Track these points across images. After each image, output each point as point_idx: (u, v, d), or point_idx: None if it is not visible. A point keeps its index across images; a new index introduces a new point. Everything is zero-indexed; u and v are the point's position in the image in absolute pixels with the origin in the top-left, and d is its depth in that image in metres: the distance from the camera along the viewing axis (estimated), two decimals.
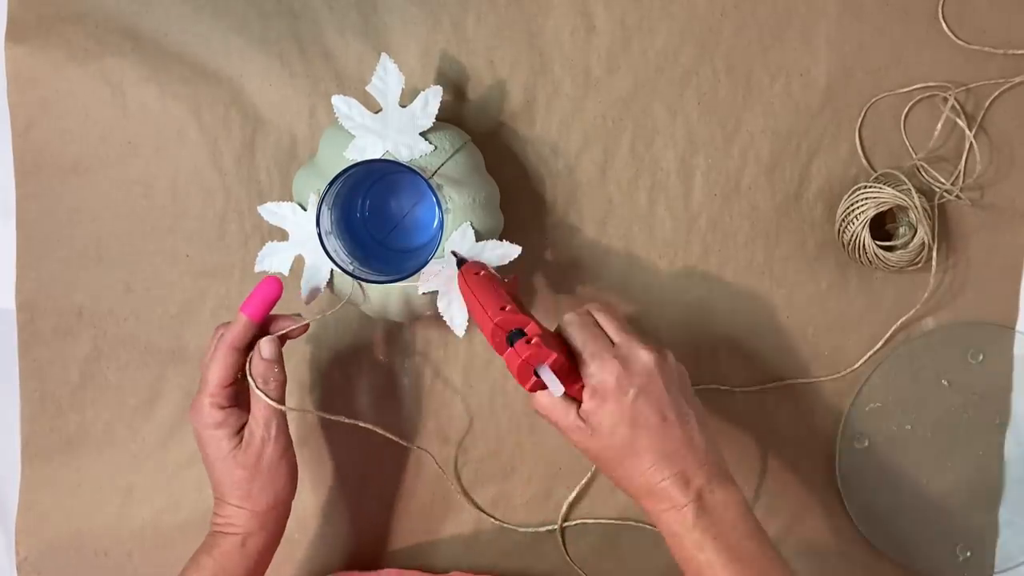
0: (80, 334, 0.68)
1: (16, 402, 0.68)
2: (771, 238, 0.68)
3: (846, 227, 0.65)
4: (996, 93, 0.67)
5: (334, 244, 0.57)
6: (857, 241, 0.65)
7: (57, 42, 0.65)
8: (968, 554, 0.69)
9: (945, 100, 0.66)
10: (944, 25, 0.67)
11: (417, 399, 0.69)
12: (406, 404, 0.69)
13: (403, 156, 0.58)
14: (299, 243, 0.61)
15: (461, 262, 0.58)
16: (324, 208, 0.56)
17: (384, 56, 0.60)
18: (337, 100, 0.59)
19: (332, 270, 0.60)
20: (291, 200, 0.61)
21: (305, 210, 0.60)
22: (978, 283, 0.68)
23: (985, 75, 0.67)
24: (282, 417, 0.57)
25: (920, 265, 0.66)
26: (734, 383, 0.69)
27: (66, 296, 0.67)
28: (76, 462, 0.68)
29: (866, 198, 0.64)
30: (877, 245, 0.64)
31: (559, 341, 0.55)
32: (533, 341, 0.52)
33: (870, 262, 0.65)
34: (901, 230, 0.67)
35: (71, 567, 0.69)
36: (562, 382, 0.53)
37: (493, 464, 0.69)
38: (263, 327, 0.57)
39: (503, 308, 0.54)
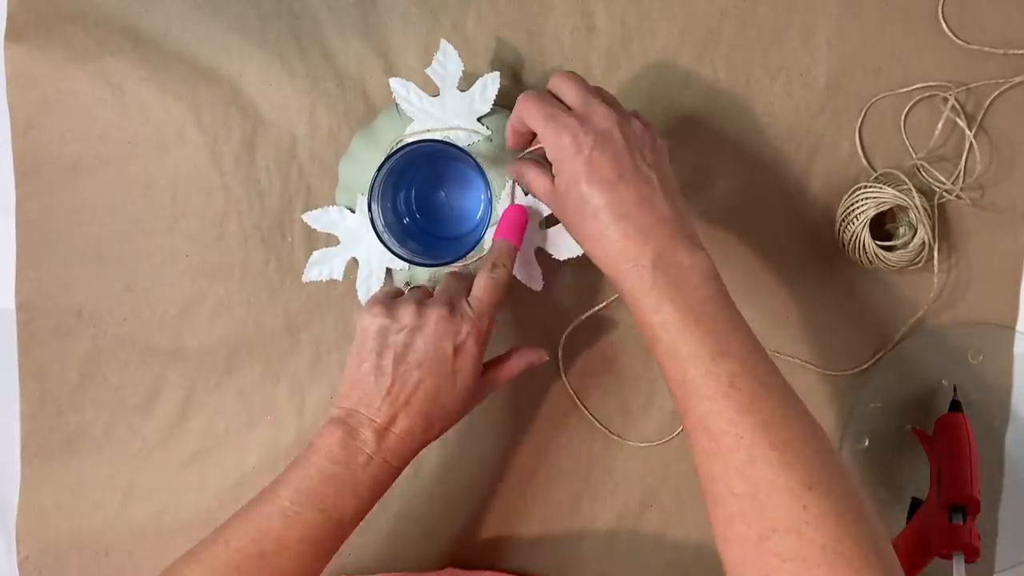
0: (80, 334, 0.68)
1: (16, 402, 0.68)
2: (771, 238, 0.68)
3: (846, 227, 0.65)
4: (996, 93, 0.67)
5: (390, 238, 0.57)
6: (857, 241, 0.65)
7: (57, 42, 0.65)
8: None
9: (945, 100, 0.66)
10: (944, 25, 0.67)
11: None
12: None
13: (461, 140, 0.59)
14: (350, 245, 0.61)
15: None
16: (375, 205, 0.56)
17: (444, 42, 0.61)
18: (396, 83, 0.60)
19: (387, 268, 0.61)
20: (334, 190, 0.63)
21: (352, 212, 0.61)
22: (978, 283, 0.68)
23: (985, 75, 0.67)
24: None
25: (920, 265, 0.66)
26: None
27: (66, 296, 0.67)
28: (76, 462, 0.68)
29: (866, 198, 0.64)
30: (877, 245, 0.64)
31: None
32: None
33: (870, 262, 0.65)
34: (901, 230, 0.67)
35: (71, 567, 0.69)
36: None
37: (494, 463, 0.69)
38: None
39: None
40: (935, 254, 0.66)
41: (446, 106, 0.60)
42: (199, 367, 0.68)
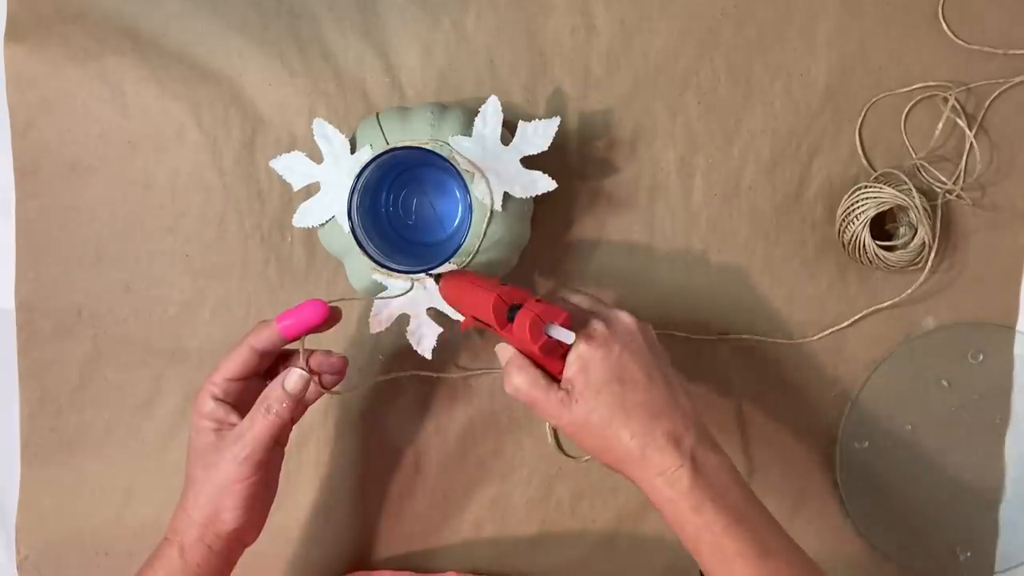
0: (80, 334, 0.68)
1: (16, 402, 0.68)
2: (771, 238, 0.68)
3: (846, 227, 0.65)
4: (996, 93, 0.67)
5: (373, 248, 0.56)
6: (857, 241, 0.65)
7: (57, 42, 0.65)
8: (968, 554, 0.69)
9: (945, 100, 0.66)
10: (944, 25, 0.67)
11: (420, 401, 0.69)
12: (407, 405, 0.69)
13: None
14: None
15: (438, 278, 0.58)
16: (355, 200, 0.55)
17: (317, 121, 0.60)
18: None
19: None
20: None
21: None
22: (978, 283, 0.68)
23: (985, 75, 0.67)
24: (265, 450, 0.53)
25: (920, 265, 0.66)
26: (734, 383, 0.69)
27: (66, 296, 0.67)
28: (76, 462, 0.68)
29: (866, 198, 0.64)
30: (877, 245, 0.64)
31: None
32: (540, 301, 0.52)
33: (870, 262, 0.65)
34: (901, 230, 0.67)
35: (71, 567, 0.69)
36: (550, 362, 0.53)
37: (494, 463, 0.69)
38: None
39: (501, 284, 0.53)
40: (933, 254, 0.66)
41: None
42: (199, 367, 0.68)
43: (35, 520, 0.69)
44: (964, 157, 0.67)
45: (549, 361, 0.53)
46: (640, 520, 0.69)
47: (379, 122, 0.60)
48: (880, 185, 0.65)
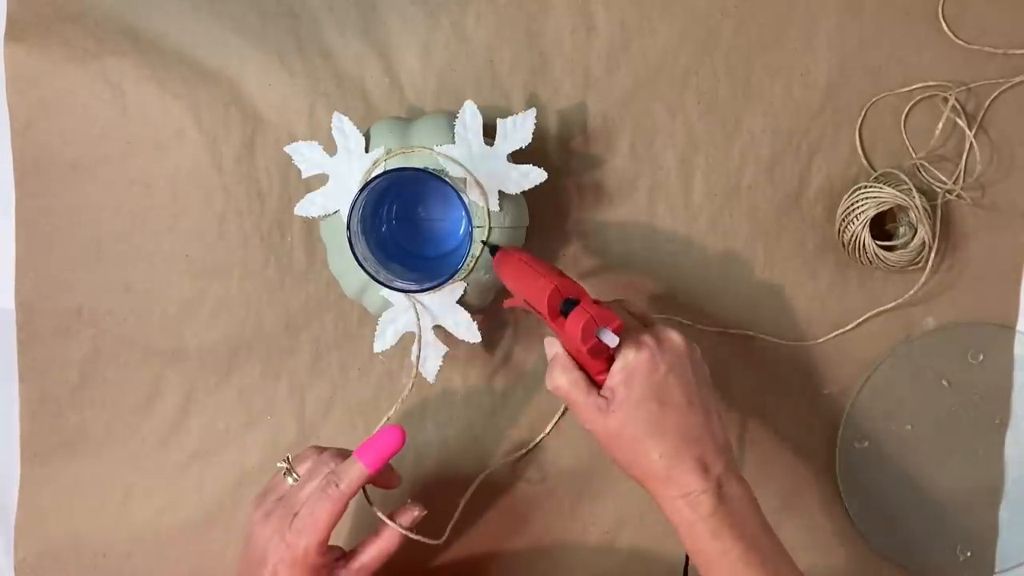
0: (79, 334, 0.67)
1: (16, 402, 0.68)
2: (771, 238, 0.68)
3: (846, 227, 0.65)
4: (996, 93, 0.67)
5: (363, 249, 0.56)
6: (857, 241, 0.65)
7: (56, 41, 0.65)
8: (968, 554, 0.69)
9: (945, 100, 0.66)
10: (944, 25, 0.67)
11: (420, 401, 0.69)
12: (405, 400, 0.69)
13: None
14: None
15: (494, 249, 0.58)
16: (355, 233, 0.55)
17: (336, 113, 0.61)
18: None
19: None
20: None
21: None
22: (978, 283, 0.68)
23: (985, 75, 0.67)
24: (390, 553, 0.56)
25: (920, 265, 0.66)
26: (734, 383, 0.69)
27: (65, 296, 0.67)
28: (76, 462, 0.68)
29: (866, 198, 0.64)
30: (877, 245, 0.64)
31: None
32: (595, 303, 0.52)
33: (870, 262, 0.65)
34: (901, 230, 0.67)
35: (70, 567, 0.69)
36: (590, 362, 0.53)
37: (494, 463, 0.69)
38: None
39: (560, 274, 0.54)
40: (933, 254, 0.66)
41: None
42: (199, 367, 0.68)
43: (34, 520, 0.68)
44: (964, 157, 0.67)
45: (593, 364, 0.54)
46: (640, 521, 0.69)
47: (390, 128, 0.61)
48: (880, 185, 0.65)
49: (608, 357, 0.53)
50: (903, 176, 0.65)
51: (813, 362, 0.69)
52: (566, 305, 0.52)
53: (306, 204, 0.62)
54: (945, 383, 0.69)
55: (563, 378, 0.54)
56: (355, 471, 0.54)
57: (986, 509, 0.69)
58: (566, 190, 0.67)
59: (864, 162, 0.68)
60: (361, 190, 0.54)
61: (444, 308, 0.61)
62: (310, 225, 0.67)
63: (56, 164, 0.66)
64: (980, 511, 0.69)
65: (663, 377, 0.52)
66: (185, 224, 0.67)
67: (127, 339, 0.68)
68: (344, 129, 0.61)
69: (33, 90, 0.66)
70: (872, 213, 0.64)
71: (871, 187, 0.65)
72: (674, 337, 0.54)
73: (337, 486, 0.53)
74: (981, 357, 0.69)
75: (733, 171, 0.67)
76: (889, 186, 0.64)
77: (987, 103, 0.67)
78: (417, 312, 0.61)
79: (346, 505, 0.53)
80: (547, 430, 0.69)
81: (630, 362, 0.52)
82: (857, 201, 0.65)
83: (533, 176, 0.61)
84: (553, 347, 0.56)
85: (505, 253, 0.57)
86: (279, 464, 0.57)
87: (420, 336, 0.61)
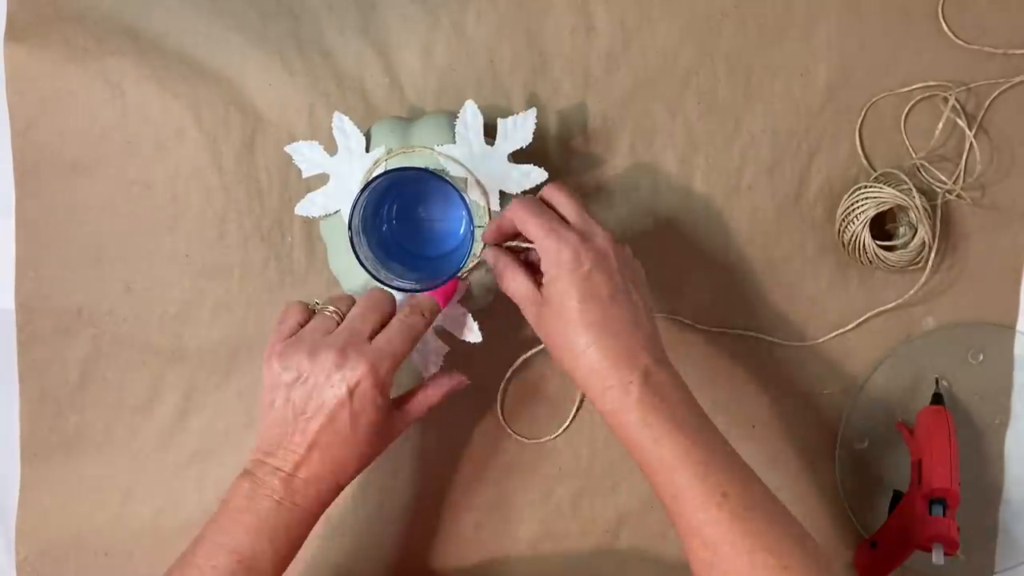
0: (79, 334, 0.67)
1: (16, 402, 0.68)
2: (771, 238, 0.68)
3: (846, 227, 0.65)
4: (996, 93, 0.67)
5: (364, 249, 0.56)
6: (857, 241, 0.65)
7: (57, 41, 0.65)
8: (968, 554, 0.69)
9: (945, 100, 0.66)
10: (944, 25, 0.67)
11: None
12: None
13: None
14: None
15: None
16: (356, 231, 0.55)
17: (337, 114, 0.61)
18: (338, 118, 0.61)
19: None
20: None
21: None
22: (978, 283, 0.68)
23: (985, 75, 0.67)
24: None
25: (920, 265, 0.66)
26: (733, 383, 0.69)
27: (65, 296, 0.67)
28: (76, 462, 0.68)
29: (866, 198, 0.64)
30: (877, 245, 0.64)
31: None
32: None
33: (870, 262, 0.65)
34: (901, 230, 0.67)
35: (71, 567, 0.69)
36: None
37: (494, 463, 0.69)
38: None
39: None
40: (933, 254, 0.66)
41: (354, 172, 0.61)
42: (199, 367, 0.68)
43: (35, 520, 0.68)
44: (964, 157, 0.67)
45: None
46: (640, 520, 0.69)
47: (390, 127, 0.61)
48: (880, 185, 0.65)
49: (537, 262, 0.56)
50: (903, 176, 0.65)
51: (813, 362, 0.69)
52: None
53: (307, 204, 0.62)
54: (945, 383, 0.69)
55: (513, 282, 0.56)
56: (428, 302, 0.57)
57: (986, 509, 0.69)
58: None
59: (864, 162, 0.68)
60: (362, 190, 0.54)
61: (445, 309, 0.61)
62: (310, 225, 0.67)
63: (56, 164, 0.66)
64: (980, 511, 0.69)
65: (587, 272, 0.53)
66: (185, 224, 0.67)
67: (127, 339, 0.68)
68: (345, 128, 0.61)
69: (33, 90, 0.66)
70: (872, 213, 0.64)
71: (871, 187, 0.65)
72: (599, 232, 0.54)
73: (423, 315, 0.56)
74: (981, 357, 0.69)
75: (733, 171, 0.67)
76: (889, 186, 0.64)
77: (987, 103, 0.67)
78: None
79: (418, 339, 0.56)
80: (558, 432, 0.69)
81: (555, 260, 0.53)
82: (857, 201, 0.65)
83: (534, 176, 0.61)
84: (497, 255, 0.58)
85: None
86: (315, 303, 0.58)
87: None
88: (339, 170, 0.61)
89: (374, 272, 0.55)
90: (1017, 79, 0.67)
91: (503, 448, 0.69)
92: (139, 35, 0.65)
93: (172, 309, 0.67)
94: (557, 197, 0.56)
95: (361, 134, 0.61)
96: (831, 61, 0.67)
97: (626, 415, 0.52)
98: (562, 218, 0.55)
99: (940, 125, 0.66)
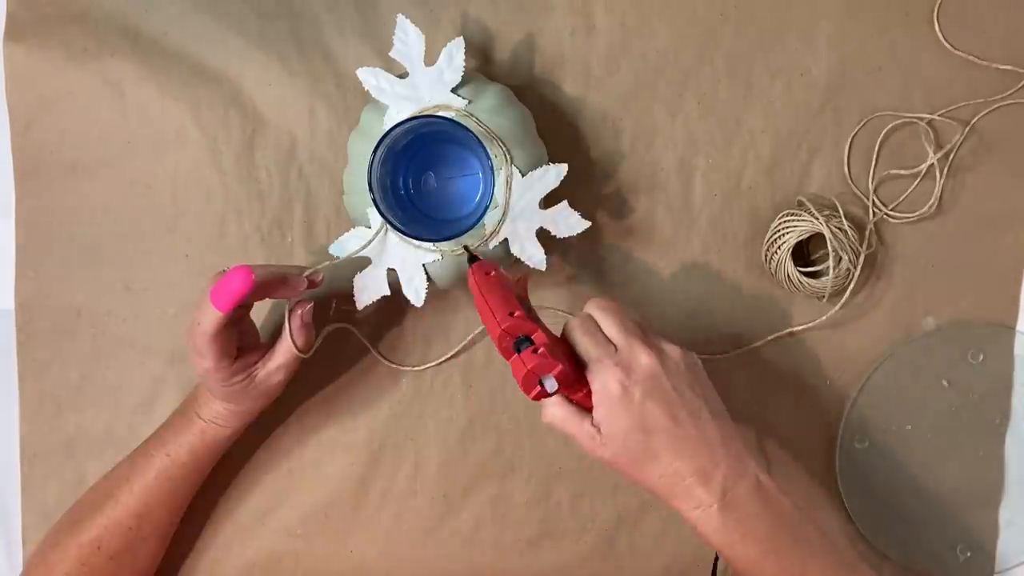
0: (79, 334, 0.68)
1: (16, 402, 0.68)
2: None
3: (772, 255, 0.65)
4: (996, 95, 0.67)
5: (395, 218, 0.56)
6: (781, 268, 0.65)
7: (56, 41, 0.65)
8: (968, 554, 0.69)
9: (927, 128, 0.66)
10: (939, 33, 0.67)
11: (417, 398, 0.69)
12: (405, 399, 0.69)
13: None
14: (381, 258, 0.61)
15: (472, 259, 0.58)
16: (376, 187, 0.55)
17: (401, 17, 0.60)
18: (363, 73, 0.60)
19: (423, 265, 0.61)
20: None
21: (367, 227, 0.61)
22: (978, 283, 0.68)
23: (984, 76, 0.67)
24: (297, 361, 0.61)
25: (846, 290, 0.66)
26: (733, 383, 0.69)
27: (65, 296, 0.67)
28: (76, 462, 0.68)
29: (788, 226, 0.64)
30: (800, 272, 0.64)
31: (565, 348, 0.55)
32: (540, 351, 0.52)
33: (796, 289, 0.65)
34: (829, 256, 0.65)
35: None
36: (570, 389, 0.53)
37: (494, 463, 0.69)
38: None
39: (511, 314, 0.53)
40: (852, 282, 0.66)
41: (417, 84, 0.59)
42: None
43: (38, 520, 0.68)
44: (939, 182, 0.67)
45: (573, 389, 0.54)
46: (640, 520, 0.69)
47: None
48: (801, 213, 0.64)
49: (579, 382, 0.54)
50: (835, 201, 0.65)
51: (813, 362, 0.69)
52: (520, 343, 0.53)
53: (393, 113, 0.60)
54: (945, 383, 0.69)
55: (557, 413, 0.55)
56: (210, 314, 0.56)
57: (986, 509, 0.69)
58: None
59: (846, 171, 0.67)
60: (392, 128, 0.54)
61: (408, 263, 0.61)
62: (310, 225, 0.67)
63: (56, 164, 0.66)
64: (980, 511, 0.69)
65: (640, 405, 0.52)
66: (185, 224, 0.67)
67: (127, 339, 0.68)
68: (407, 32, 0.60)
69: (33, 90, 0.66)
70: (794, 241, 0.64)
71: (793, 214, 0.65)
72: (642, 359, 0.53)
73: (200, 325, 0.57)
74: (981, 357, 0.69)
75: (733, 171, 0.68)
76: (814, 213, 0.63)
77: (986, 110, 0.67)
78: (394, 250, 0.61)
79: (213, 338, 0.56)
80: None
81: (603, 396, 0.53)
82: (779, 229, 0.65)
83: (572, 222, 0.61)
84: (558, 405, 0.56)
85: (476, 271, 0.56)
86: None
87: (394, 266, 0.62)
88: (405, 92, 0.60)
89: (403, 229, 0.56)
90: (1016, 86, 0.67)
91: (503, 448, 0.69)
92: (139, 35, 0.65)
93: (171, 309, 0.68)
94: (597, 314, 0.56)
95: (421, 35, 0.60)
96: (831, 61, 0.67)
97: (712, 537, 0.53)
98: (607, 339, 0.55)
99: (926, 159, 0.66)
